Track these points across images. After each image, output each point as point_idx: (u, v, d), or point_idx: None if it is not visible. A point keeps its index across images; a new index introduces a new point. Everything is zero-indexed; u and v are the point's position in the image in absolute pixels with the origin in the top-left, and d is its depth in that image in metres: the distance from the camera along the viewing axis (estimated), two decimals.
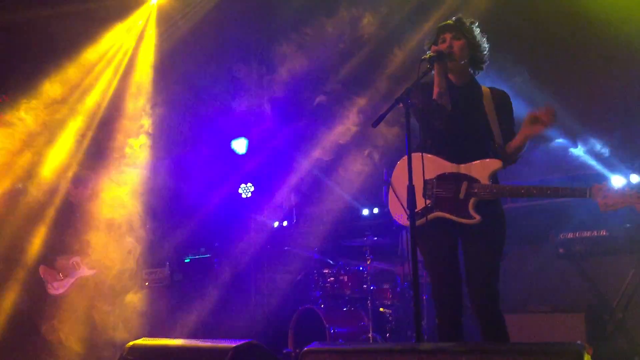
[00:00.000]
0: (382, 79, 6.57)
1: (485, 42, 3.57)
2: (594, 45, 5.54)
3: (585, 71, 5.68)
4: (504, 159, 3.38)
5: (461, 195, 3.31)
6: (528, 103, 4.94)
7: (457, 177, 3.36)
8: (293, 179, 7.67)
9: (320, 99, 7.14)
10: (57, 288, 5.73)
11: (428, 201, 3.36)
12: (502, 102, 3.48)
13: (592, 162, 5.65)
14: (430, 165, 3.39)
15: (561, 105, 5.09)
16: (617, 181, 5.23)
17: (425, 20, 6.06)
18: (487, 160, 3.33)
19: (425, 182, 3.34)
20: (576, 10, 5.42)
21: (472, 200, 3.30)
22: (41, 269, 5.76)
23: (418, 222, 3.28)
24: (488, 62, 3.61)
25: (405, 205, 3.41)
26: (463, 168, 3.36)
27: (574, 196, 3.18)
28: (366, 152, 6.71)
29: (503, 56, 5.22)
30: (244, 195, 8.02)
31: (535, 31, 5.79)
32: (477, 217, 3.28)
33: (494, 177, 3.35)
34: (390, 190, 3.62)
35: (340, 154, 7.05)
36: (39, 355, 5.60)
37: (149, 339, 3.54)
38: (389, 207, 3.64)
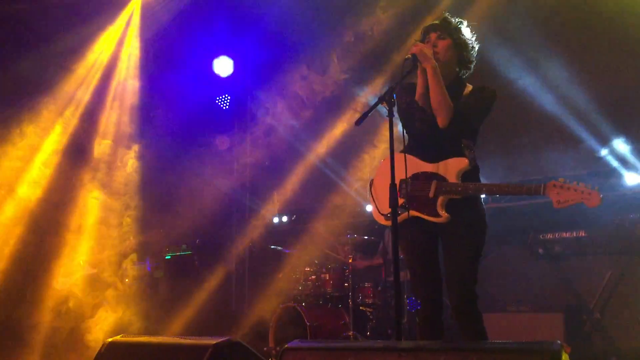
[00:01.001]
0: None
1: (474, 42, 3.54)
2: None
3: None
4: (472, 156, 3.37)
5: (430, 194, 3.33)
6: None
7: (429, 176, 3.38)
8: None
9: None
10: (62, 284, 5.92)
11: (402, 200, 3.36)
12: (473, 98, 3.43)
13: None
14: (408, 165, 3.40)
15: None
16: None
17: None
18: (455, 159, 3.34)
19: (401, 181, 3.36)
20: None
21: (440, 199, 3.31)
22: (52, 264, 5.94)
23: (387, 222, 3.34)
24: (475, 62, 3.57)
25: (381, 205, 3.46)
26: (435, 167, 3.38)
27: (530, 194, 3.20)
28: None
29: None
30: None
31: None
32: (444, 216, 3.29)
33: (463, 175, 3.33)
34: (372, 190, 3.63)
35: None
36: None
37: (128, 335, 3.50)
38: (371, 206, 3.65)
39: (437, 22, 3.52)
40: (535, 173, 5.88)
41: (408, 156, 3.41)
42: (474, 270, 3.29)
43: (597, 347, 5.41)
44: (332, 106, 7.09)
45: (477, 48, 3.56)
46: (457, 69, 3.55)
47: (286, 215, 8.02)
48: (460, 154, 3.35)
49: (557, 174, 3.30)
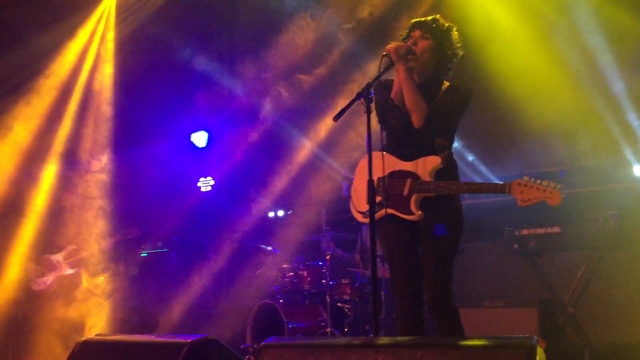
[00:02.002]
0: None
1: (459, 50, 3.49)
2: None
3: None
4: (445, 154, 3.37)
5: (405, 192, 3.34)
6: None
7: (405, 174, 3.39)
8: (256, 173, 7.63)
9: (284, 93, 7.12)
10: (38, 284, 5.87)
11: (379, 198, 3.37)
12: (449, 97, 3.41)
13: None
14: (386, 163, 3.41)
15: None
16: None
17: None
18: (429, 157, 3.35)
19: (378, 179, 3.38)
20: None
21: (414, 197, 3.33)
22: (27, 264, 5.94)
23: (366, 219, 3.32)
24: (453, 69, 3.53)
25: (359, 202, 3.48)
26: (410, 165, 3.39)
27: (496, 192, 3.25)
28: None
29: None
30: (203, 189, 7.93)
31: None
32: (417, 214, 3.30)
33: (437, 173, 3.34)
34: (351, 188, 3.64)
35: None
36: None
37: (102, 334, 3.46)
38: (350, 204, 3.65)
39: (425, 20, 3.48)
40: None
41: (385, 154, 3.42)
42: (449, 267, 3.31)
43: (571, 341, 5.49)
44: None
45: (460, 55, 3.52)
46: (435, 70, 3.51)
47: (264, 212, 7.99)
48: (433, 153, 3.35)
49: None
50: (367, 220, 3.30)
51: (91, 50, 7.04)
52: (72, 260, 5.99)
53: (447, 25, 3.48)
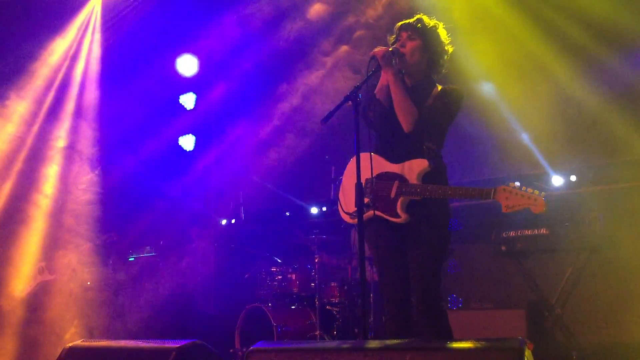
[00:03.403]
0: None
1: (447, 46, 3.50)
2: None
3: None
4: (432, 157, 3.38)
5: (392, 195, 3.35)
6: None
7: (392, 177, 3.39)
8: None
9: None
10: (21, 290, 5.82)
11: (366, 199, 3.38)
12: (440, 102, 3.41)
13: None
14: (375, 165, 3.41)
15: None
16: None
17: None
18: (416, 160, 3.36)
19: (367, 180, 3.38)
20: None
21: (400, 199, 3.33)
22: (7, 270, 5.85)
23: (354, 220, 3.35)
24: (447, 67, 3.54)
25: (347, 204, 3.48)
26: (398, 168, 3.40)
27: (482, 197, 3.23)
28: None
29: None
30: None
31: None
32: (403, 216, 3.31)
33: (425, 177, 3.34)
34: (340, 189, 3.63)
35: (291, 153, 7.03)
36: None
37: (89, 340, 3.43)
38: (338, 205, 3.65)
39: (410, 21, 3.49)
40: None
41: (374, 156, 3.43)
42: (437, 270, 3.31)
43: (559, 342, 5.52)
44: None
45: (450, 52, 3.53)
46: (427, 70, 3.51)
47: (252, 215, 7.98)
48: (421, 156, 3.36)
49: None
50: (354, 221, 3.33)
51: (76, 51, 6.99)
52: (54, 265, 5.91)
53: (432, 23, 3.49)
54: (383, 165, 3.44)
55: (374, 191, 3.40)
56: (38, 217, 6.14)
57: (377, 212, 3.38)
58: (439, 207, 3.36)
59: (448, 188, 3.28)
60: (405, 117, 3.35)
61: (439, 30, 3.50)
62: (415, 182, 3.32)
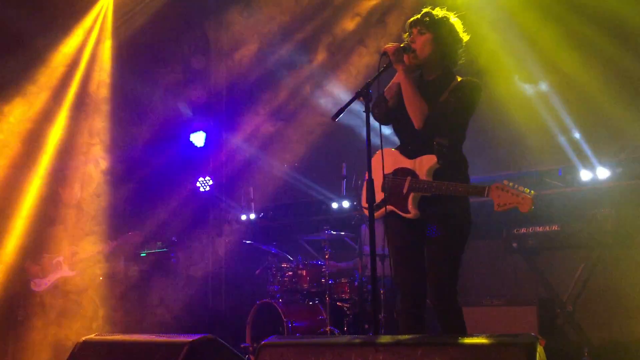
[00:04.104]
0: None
1: (461, 35, 3.45)
2: None
3: None
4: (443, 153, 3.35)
5: (404, 190, 3.35)
6: None
7: (406, 172, 3.40)
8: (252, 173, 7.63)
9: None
10: (38, 285, 5.84)
11: (383, 194, 3.40)
12: (454, 96, 3.35)
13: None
14: (392, 160, 3.44)
15: None
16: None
17: None
18: (427, 156, 3.35)
19: (385, 176, 3.40)
20: None
21: (411, 195, 3.33)
22: (26, 264, 5.90)
23: (377, 215, 3.36)
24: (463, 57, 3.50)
25: (364, 197, 3.46)
26: (411, 163, 3.40)
27: (476, 194, 3.22)
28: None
29: None
30: (202, 189, 7.93)
31: None
32: (413, 212, 3.31)
33: (435, 173, 3.32)
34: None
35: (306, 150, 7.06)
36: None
37: (103, 334, 3.46)
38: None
39: (418, 16, 3.46)
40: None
41: (393, 151, 3.47)
42: (452, 266, 3.29)
43: (570, 339, 5.50)
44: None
45: (464, 41, 3.47)
46: (443, 62, 3.47)
47: (263, 211, 8.00)
48: (431, 152, 3.34)
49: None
50: (375, 216, 3.35)
51: (88, 49, 7.03)
52: (72, 262, 5.96)
53: (441, 15, 3.44)
54: (400, 161, 3.45)
55: (391, 187, 3.41)
56: (54, 213, 6.19)
57: (390, 207, 3.39)
58: (455, 203, 3.31)
59: (450, 184, 3.25)
60: (415, 114, 3.35)
61: (450, 21, 3.45)
62: (424, 178, 3.32)
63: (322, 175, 7.23)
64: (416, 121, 3.35)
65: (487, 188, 3.17)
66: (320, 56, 6.98)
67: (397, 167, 3.44)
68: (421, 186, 3.31)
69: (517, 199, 3.09)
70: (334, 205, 7.18)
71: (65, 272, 5.92)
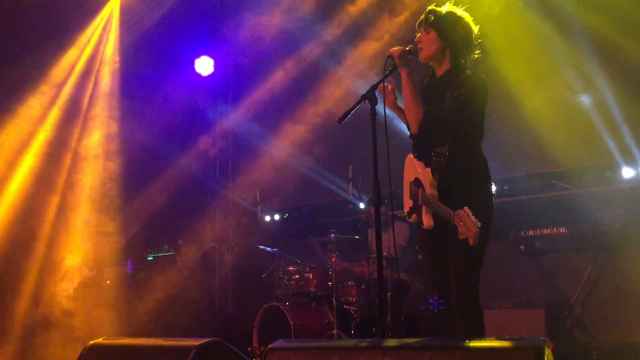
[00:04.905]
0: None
1: (467, 29, 3.40)
2: None
3: None
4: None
5: (419, 202, 3.37)
6: None
7: (418, 184, 3.40)
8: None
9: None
10: (65, 289, 5.91)
11: (411, 202, 3.46)
12: (451, 98, 3.28)
13: None
14: (414, 168, 3.45)
15: None
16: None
17: None
18: (427, 170, 3.33)
19: (410, 183, 3.46)
20: None
21: (424, 207, 3.34)
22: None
23: (410, 220, 3.51)
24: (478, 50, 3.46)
25: (404, 202, 3.56)
26: (421, 174, 3.38)
27: (446, 217, 3.13)
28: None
29: None
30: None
31: None
32: (426, 223, 3.32)
33: (437, 186, 3.27)
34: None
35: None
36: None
37: (110, 338, 3.47)
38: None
39: (422, 16, 3.45)
40: None
41: (414, 158, 3.49)
42: (471, 270, 3.27)
43: (578, 342, 5.48)
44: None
45: (474, 33, 3.41)
46: (452, 57, 3.41)
47: (269, 214, 8.01)
48: (428, 164, 3.33)
49: None
50: (410, 221, 3.49)
51: (95, 52, 7.08)
52: (88, 263, 5.97)
53: (445, 11, 3.41)
54: (416, 171, 3.44)
55: (412, 195, 3.45)
56: (63, 216, 6.24)
57: (414, 216, 3.46)
58: (474, 208, 3.14)
59: (435, 203, 3.23)
60: (410, 119, 3.37)
61: (456, 15, 3.40)
62: (428, 191, 3.30)
63: (329, 177, 7.24)
64: (412, 126, 3.37)
65: (452, 214, 3.08)
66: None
67: (415, 176, 3.45)
68: (425, 200, 3.33)
69: (467, 230, 2.98)
70: (340, 208, 7.18)
71: (86, 272, 5.93)
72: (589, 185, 5.74)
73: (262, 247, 6.80)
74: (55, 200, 6.30)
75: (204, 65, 7.87)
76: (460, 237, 3.02)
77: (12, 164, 6.16)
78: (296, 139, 7.20)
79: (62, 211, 6.27)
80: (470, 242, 2.97)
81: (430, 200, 3.27)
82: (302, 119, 7.10)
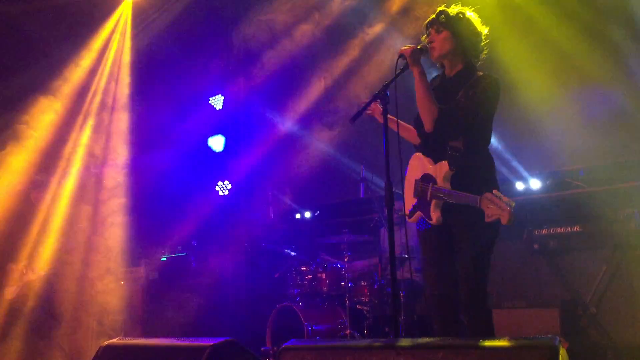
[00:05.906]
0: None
1: (478, 29, 3.46)
2: None
3: None
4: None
5: (427, 197, 3.35)
6: None
7: (429, 179, 3.40)
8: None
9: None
10: (11, 293, 5.82)
11: (415, 200, 3.43)
12: (465, 96, 3.33)
13: None
14: (422, 165, 3.45)
15: None
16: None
17: None
18: (441, 162, 3.35)
19: (416, 181, 3.45)
20: None
21: (433, 202, 3.33)
22: None
23: (411, 220, 3.48)
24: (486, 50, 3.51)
25: (405, 201, 3.56)
26: (433, 169, 3.40)
27: (468, 203, 3.15)
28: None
29: None
30: (220, 193, 7.98)
31: None
32: (434, 219, 3.32)
33: (452, 178, 3.29)
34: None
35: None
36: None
37: (125, 339, 3.49)
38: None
39: (433, 16, 3.49)
40: None
41: (420, 155, 3.50)
42: (480, 268, 3.28)
43: (594, 341, 5.43)
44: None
45: (483, 34, 3.47)
46: (464, 57, 3.48)
47: (282, 214, 8.02)
48: (444, 157, 3.34)
49: None
50: (411, 220, 3.47)
51: (108, 57, 7.13)
52: (37, 265, 5.97)
53: (456, 12, 3.46)
54: (426, 167, 3.45)
55: (419, 192, 3.43)
56: (74, 218, 6.27)
57: (419, 213, 3.44)
58: (475, 212, 3.23)
59: (451, 193, 3.25)
60: (425, 117, 3.36)
61: (466, 16, 3.47)
62: (441, 184, 3.30)
63: (340, 177, 7.23)
64: (426, 124, 3.37)
65: (478, 198, 3.12)
66: None
67: (424, 172, 3.45)
68: (436, 193, 3.31)
69: (499, 210, 3.03)
70: (353, 208, 7.18)
71: (30, 276, 5.92)
72: (603, 183, 5.68)
73: (275, 246, 6.82)
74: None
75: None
76: (488, 219, 3.07)
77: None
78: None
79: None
80: (504, 221, 3.02)
81: (446, 192, 3.26)
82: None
